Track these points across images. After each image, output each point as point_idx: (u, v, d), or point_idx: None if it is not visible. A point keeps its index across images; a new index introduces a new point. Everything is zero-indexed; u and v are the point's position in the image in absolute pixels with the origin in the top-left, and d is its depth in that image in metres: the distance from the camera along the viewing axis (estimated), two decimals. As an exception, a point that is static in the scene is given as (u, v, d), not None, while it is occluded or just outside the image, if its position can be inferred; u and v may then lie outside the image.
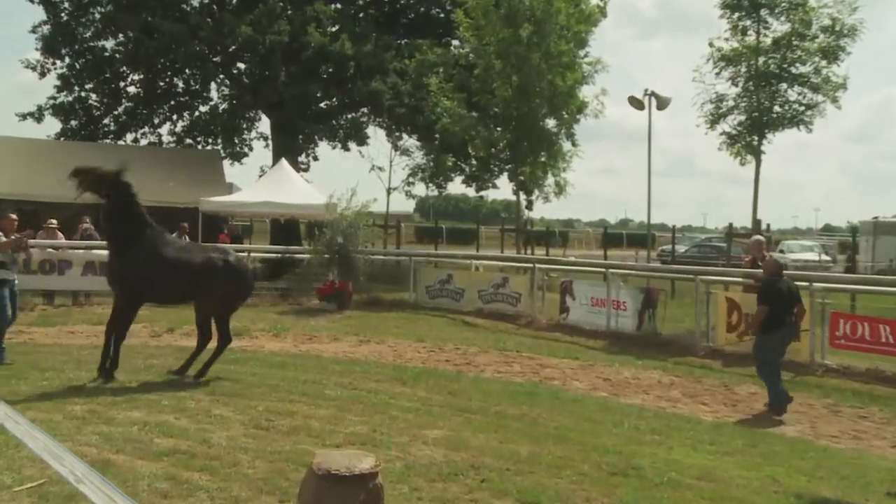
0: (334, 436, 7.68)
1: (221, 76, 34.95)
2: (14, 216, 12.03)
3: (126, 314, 10.55)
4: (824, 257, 39.52)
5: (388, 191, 37.16)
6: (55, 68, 33.89)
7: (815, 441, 8.74)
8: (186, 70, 34.38)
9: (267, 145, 36.44)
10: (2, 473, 6.15)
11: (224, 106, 35.74)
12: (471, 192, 37.79)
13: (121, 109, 35.29)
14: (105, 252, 18.40)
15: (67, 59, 33.93)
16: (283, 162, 27.22)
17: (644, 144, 32.13)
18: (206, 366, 10.39)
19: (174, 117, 36.03)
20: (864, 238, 36.67)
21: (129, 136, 35.70)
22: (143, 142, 35.60)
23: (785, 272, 11.51)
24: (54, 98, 33.88)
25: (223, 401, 9.05)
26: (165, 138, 35.99)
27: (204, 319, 10.71)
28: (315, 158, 38.03)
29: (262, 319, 16.49)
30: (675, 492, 6.45)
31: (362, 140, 36.56)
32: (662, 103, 24.50)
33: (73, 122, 34.30)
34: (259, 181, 28.94)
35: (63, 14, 33.49)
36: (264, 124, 36.87)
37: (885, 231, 36.75)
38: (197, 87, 35.50)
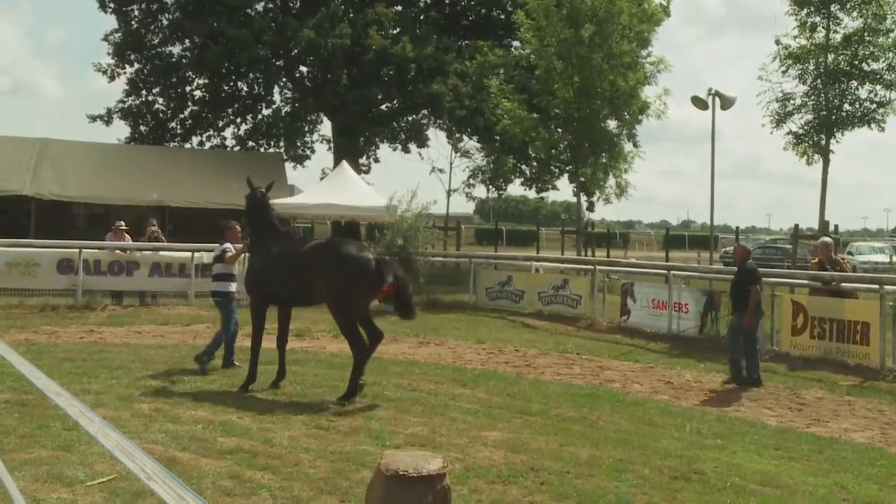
0: (394, 437, 7.75)
1: (284, 80, 35.43)
2: (237, 225, 12.37)
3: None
4: (895, 259, 38.47)
5: (448, 193, 37.27)
6: (124, 73, 34.79)
7: (887, 448, 8.51)
8: (250, 74, 34.93)
9: (329, 148, 36.88)
10: (75, 468, 6.34)
11: (286, 109, 36.21)
12: (531, 193, 37.71)
13: (187, 113, 36.03)
14: (171, 254, 18.98)
15: (136, 65, 34.81)
16: (344, 164, 27.46)
17: (708, 145, 31.64)
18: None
19: (238, 120, 36.64)
20: (937, 239, 35.61)
21: (195, 140, 36.45)
22: (208, 145, 36.28)
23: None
24: (123, 102, 34.78)
25: (285, 401, 9.19)
26: (229, 141, 36.65)
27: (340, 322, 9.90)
28: (376, 160, 38.37)
29: (323, 321, 16.62)
30: (738, 497, 6.35)
31: (422, 142, 36.75)
32: (727, 103, 24.11)
33: (142, 127, 35.14)
34: (320, 183, 29.23)
35: (133, 22, 34.40)
36: (326, 127, 37.32)
37: (959, 232, 35.56)
38: (260, 90, 36.05)
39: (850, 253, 36.37)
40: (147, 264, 18.85)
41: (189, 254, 18.99)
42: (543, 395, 10.27)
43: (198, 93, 36.00)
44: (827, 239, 15.57)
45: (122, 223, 19.54)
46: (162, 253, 19.09)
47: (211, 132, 36.67)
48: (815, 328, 13.62)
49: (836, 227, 23.36)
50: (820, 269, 14.19)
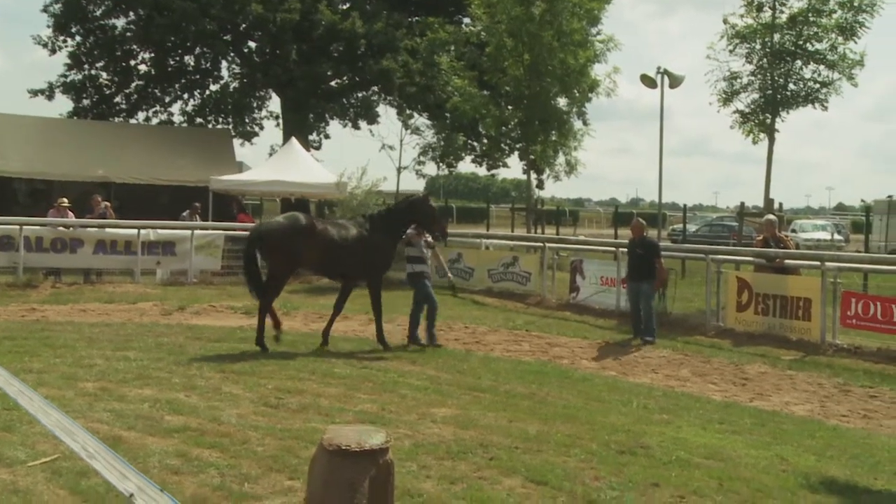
0: (343, 414, 7.73)
1: (232, 55, 34.88)
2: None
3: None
4: (836, 237, 39.37)
5: (399, 170, 36.98)
6: (66, 46, 33.91)
7: (825, 420, 8.72)
8: (197, 48, 34.33)
9: (278, 124, 36.45)
10: (16, 449, 6.22)
11: (235, 85, 35.71)
12: (481, 171, 37.73)
13: (132, 88, 35.30)
14: (116, 231, 18.64)
15: (78, 38, 33.93)
16: (294, 141, 27.22)
17: (658, 123, 31.96)
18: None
19: (185, 96, 36.00)
20: (878, 217, 36.41)
21: (141, 115, 35.78)
22: (155, 120, 35.65)
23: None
24: (65, 76, 33.93)
25: (233, 378, 9.11)
26: (176, 117, 36.03)
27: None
28: (326, 137, 38.00)
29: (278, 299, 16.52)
30: (683, 471, 6.46)
31: (373, 119, 36.50)
32: (675, 81, 24.31)
33: (85, 101, 34.35)
34: (269, 160, 28.97)
35: (74, -9, 33.46)
36: (275, 103, 36.85)
37: (898, 210, 36.50)
38: (208, 65, 35.45)
39: (793, 230, 37.08)
40: (91, 241, 18.49)
41: (135, 231, 18.67)
42: (493, 371, 10.33)
43: (143, 67, 35.31)
44: (771, 217, 15.84)
45: (65, 200, 19.12)
46: (107, 230, 18.75)
47: (158, 108, 36.04)
48: (759, 304, 13.88)
49: (780, 204, 23.70)
50: (764, 246, 14.44)
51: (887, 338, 12.43)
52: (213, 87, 35.87)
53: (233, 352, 10.71)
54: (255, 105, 36.63)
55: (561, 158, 26.21)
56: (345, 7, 32.50)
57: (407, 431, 7.25)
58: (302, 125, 33.54)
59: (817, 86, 21.05)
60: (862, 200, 65.99)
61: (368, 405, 8.19)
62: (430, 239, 12.44)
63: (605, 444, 7.10)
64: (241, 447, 6.57)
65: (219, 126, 35.34)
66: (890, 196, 38.82)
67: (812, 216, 59.17)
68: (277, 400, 8.20)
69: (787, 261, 14.20)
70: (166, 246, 19.23)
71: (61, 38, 33.78)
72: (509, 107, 26.16)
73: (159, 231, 19.19)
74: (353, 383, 9.19)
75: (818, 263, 13.65)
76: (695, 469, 6.52)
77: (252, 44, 34.83)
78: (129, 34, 33.58)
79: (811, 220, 47.37)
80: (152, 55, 34.57)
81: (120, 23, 33.97)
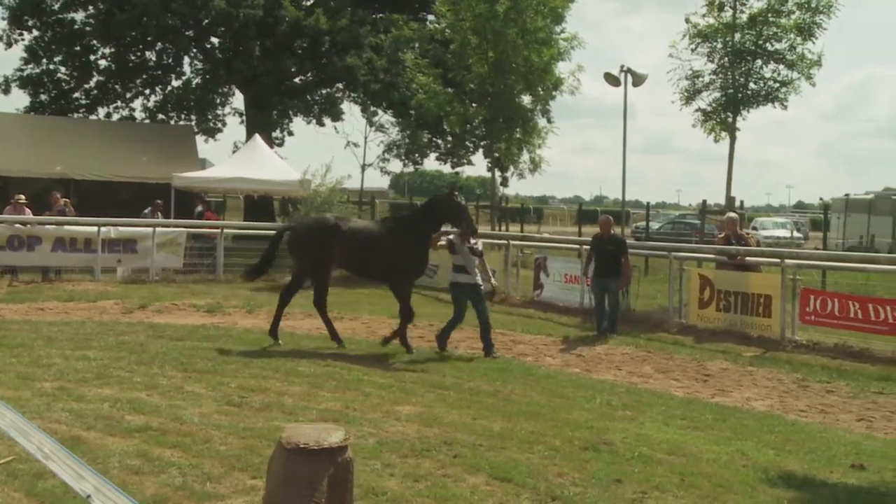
0: (307, 412, 7.68)
1: (195, 50, 34.56)
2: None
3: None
4: (796, 234, 39.99)
5: (363, 167, 37.11)
6: (22, 39, 33.35)
7: (784, 415, 8.84)
8: (159, 44, 33.97)
9: (241, 121, 36.26)
10: (-30, 451, 6.09)
11: (197, 81, 35.37)
12: (446, 168, 37.77)
13: (92, 83, 34.85)
14: (76, 228, 18.38)
15: (35, 31, 33.38)
16: (257, 138, 27.03)
17: (622, 121, 32.24)
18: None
19: (147, 92, 35.66)
20: (836, 215, 37.09)
21: (102, 111, 35.31)
22: (116, 117, 35.21)
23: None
24: (21, 70, 33.37)
25: (195, 377, 9.01)
26: (138, 113, 35.63)
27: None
28: (290, 134, 37.94)
29: (235, 296, 16.43)
30: (645, 466, 6.50)
31: (337, 116, 36.43)
32: (638, 80, 24.53)
33: (43, 96, 33.82)
34: (232, 157, 28.75)
35: (30, -17, 32.92)
36: (238, 100, 36.67)
37: (855, 208, 37.21)
38: (170, 61, 35.12)
39: (754, 228, 37.63)
40: (50, 239, 18.20)
41: (95, 228, 18.41)
42: (457, 369, 10.33)
43: (103, 62, 34.86)
44: (733, 214, 16.03)
45: (22, 196, 18.80)
46: (67, 227, 18.47)
47: (119, 103, 35.63)
48: (720, 301, 14.03)
49: (741, 202, 24.10)
50: (726, 243, 14.60)
51: (844, 334, 12.62)
52: (175, 83, 35.57)
53: (195, 350, 10.59)
54: (218, 101, 36.38)
55: (525, 156, 26.34)
56: (309, 3, 32.32)
57: (371, 429, 7.22)
58: (265, 122, 33.34)
59: (777, 85, 21.37)
60: (821, 199, 67.08)
61: (332, 403, 8.14)
62: (477, 246, 11.80)
63: (569, 441, 7.12)
64: (204, 446, 6.50)
65: (181, 122, 35.00)
66: (847, 194, 39.52)
67: (773, 214, 60.00)
68: (240, 399, 8.13)
69: (748, 258, 14.36)
70: (127, 243, 18.99)
71: (17, 31, 33.25)
72: (474, 104, 26.20)
73: (120, 228, 18.94)
74: (316, 381, 9.13)
75: (778, 261, 13.82)
76: (657, 465, 6.57)
77: (215, 39, 34.58)
78: (88, 28, 33.12)
79: (772, 218, 48.11)
80: (112, 50, 34.15)
81: (79, 16, 33.55)
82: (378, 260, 11.56)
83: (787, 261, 13.61)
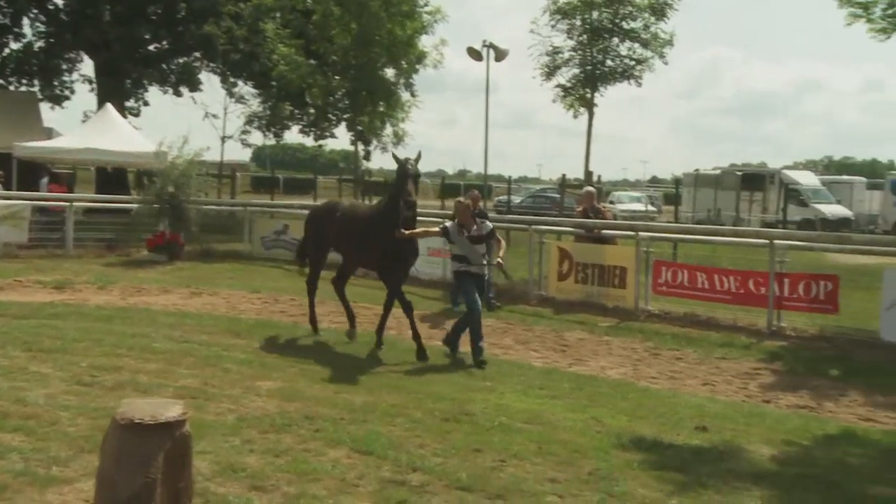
0: (163, 390, 7.43)
1: (35, 11, 32.50)
2: (468, 201, 10.75)
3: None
4: (650, 208, 41.63)
5: (223, 139, 36.10)
6: None
7: (636, 382, 9.19)
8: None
9: (92, 89, 34.41)
10: None
11: (40, 44, 33.31)
12: (309, 141, 37.21)
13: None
14: None
15: None
16: (109, 107, 25.85)
17: (485, 96, 32.63)
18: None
19: (-19, 54, 33.27)
20: (687, 190, 38.80)
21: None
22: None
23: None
24: None
25: (41, 357, 8.57)
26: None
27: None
28: (145, 104, 36.16)
29: (86, 272, 15.74)
30: (505, 435, 6.63)
31: (195, 86, 35.16)
32: (500, 55, 24.80)
33: None
34: (82, 126, 27.44)
35: None
36: (87, 66, 34.75)
37: (704, 183, 39.04)
38: (7, 21, 32.84)
39: (611, 202, 38.88)
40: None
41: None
42: (319, 344, 10.25)
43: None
44: (591, 188, 16.48)
45: None
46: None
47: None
48: (578, 273, 14.42)
49: (599, 177, 24.77)
50: (584, 217, 14.99)
51: (692, 303, 13.24)
52: (15, 46, 33.33)
53: (41, 329, 10.06)
54: (64, 68, 34.35)
55: (389, 129, 26.22)
56: (163, -33, 31.04)
57: (230, 406, 7.08)
58: (118, 91, 31.86)
59: (632, 63, 22.08)
60: (673, 174, 69.90)
61: (190, 380, 7.92)
62: (482, 230, 10.13)
63: (430, 413, 7.18)
64: (50, 429, 6.20)
65: (23, 88, 32.98)
66: (697, 170, 41.40)
67: (629, 188, 62.08)
68: (91, 378, 7.79)
69: (604, 231, 14.81)
70: (-35, 217, 17.86)
71: None
72: (336, 76, 25.85)
73: (-43, 201, 17.78)
74: (173, 358, 8.86)
75: (633, 234, 14.31)
76: (516, 434, 6.71)
77: (58, 1, 32.61)
78: None
79: (628, 192, 49.80)
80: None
81: None
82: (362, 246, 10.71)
83: (641, 234, 14.11)
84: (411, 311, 10.07)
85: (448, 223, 10.34)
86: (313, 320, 11.18)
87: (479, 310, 9.87)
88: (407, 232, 9.84)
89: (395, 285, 10.26)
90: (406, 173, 9.82)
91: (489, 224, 10.37)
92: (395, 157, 10.05)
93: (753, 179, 38.32)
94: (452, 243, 10.12)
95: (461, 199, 10.95)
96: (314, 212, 11.86)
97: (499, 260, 10.28)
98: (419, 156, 10.07)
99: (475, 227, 10.06)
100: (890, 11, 12.81)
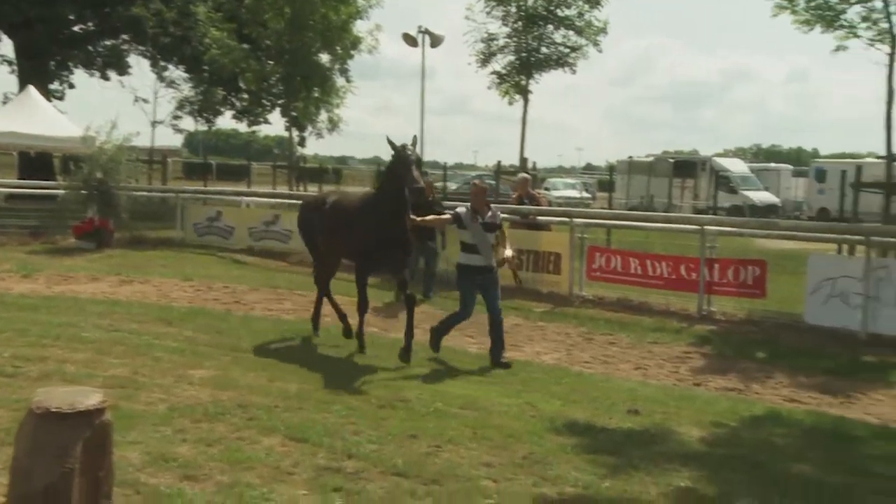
0: (91, 380, 7.25)
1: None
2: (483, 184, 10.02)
3: None
4: (585, 194, 42.14)
5: (153, 124, 35.45)
6: None
7: (570, 367, 9.28)
8: None
9: (12, 70, 33.35)
10: None
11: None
12: (242, 127, 36.75)
13: None
14: None
15: None
16: (31, 89, 25.05)
17: (420, 82, 32.47)
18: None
19: None
20: (620, 176, 39.32)
21: None
22: None
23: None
24: None
25: (-38, 349, 8.30)
26: None
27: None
28: (70, 87, 35.23)
29: (8, 260, 15.31)
30: (440, 421, 6.65)
31: (123, 69, 34.40)
32: (436, 41, 24.74)
33: None
34: (2, 109, 26.58)
35: None
36: (7, 46, 33.64)
37: (638, 170, 39.63)
38: None
39: (546, 188, 39.22)
40: None
41: None
42: (253, 331, 10.13)
43: None
44: (526, 175, 16.59)
45: None
46: None
47: None
48: (514, 259, 14.46)
49: (534, 164, 25.03)
50: (519, 203, 15.07)
51: (625, 288, 13.42)
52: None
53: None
54: (-20, 48, 33.28)
55: (323, 115, 26.08)
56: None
57: (161, 395, 6.96)
58: (41, 73, 30.92)
59: (567, 50, 22.31)
60: (607, 161, 70.78)
61: (120, 370, 7.76)
62: (492, 220, 9.33)
63: (366, 400, 7.17)
64: (-30, 422, 6.01)
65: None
66: (630, 157, 41.98)
67: (563, 175, 62.69)
68: (14, 369, 7.57)
69: (539, 217, 14.91)
70: None
71: None
72: (270, 61, 25.59)
73: None
74: (103, 347, 8.66)
75: (567, 220, 14.43)
76: (451, 419, 6.73)
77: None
78: None
79: (562, 179, 50.31)
80: None
81: None
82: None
83: (576, 220, 14.23)
84: (413, 304, 9.42)
85: (461, 208, 9.56)
86: (316, 318, 10.57)
87: (470, 311, 9.42)
88: (418, 219, 9.36)
89: (401, 273, 9.77)
90: (408, 159, 9.01)
91: (501, 213, 9.81)
92: (390, 142, 9.13)
93: (685, 167, 39.00)
94: (464, 230, 9.29)
95: (476, 181, 10.59)
96: (304, 211, 10.88)
97: (508, 254, 9.44)
98: (415, 140, 9.39)
99: (490, 213, 9.37)
100: (813, 4, 13.16)
